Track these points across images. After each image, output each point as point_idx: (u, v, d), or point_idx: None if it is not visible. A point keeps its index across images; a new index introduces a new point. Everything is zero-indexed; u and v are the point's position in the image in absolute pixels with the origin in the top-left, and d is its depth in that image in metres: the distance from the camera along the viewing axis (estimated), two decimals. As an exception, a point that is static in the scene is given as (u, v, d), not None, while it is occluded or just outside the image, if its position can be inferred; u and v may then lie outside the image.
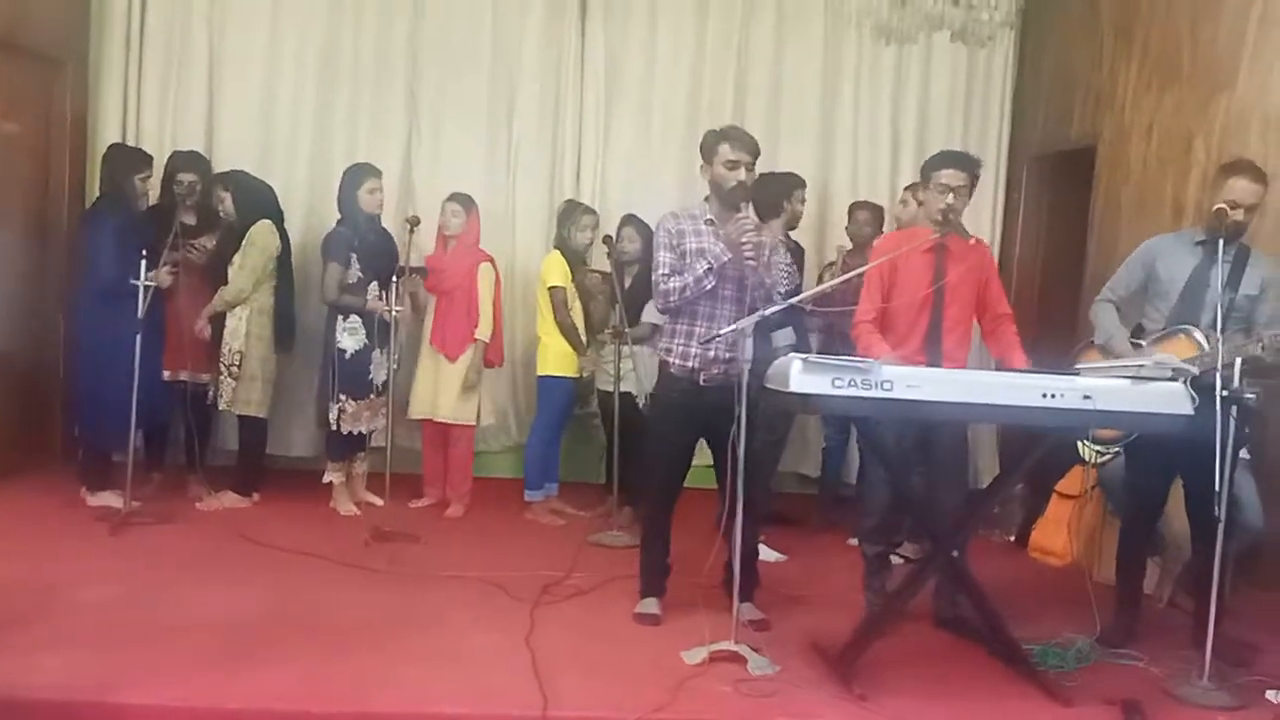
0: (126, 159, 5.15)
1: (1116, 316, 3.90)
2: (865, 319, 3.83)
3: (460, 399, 5.29)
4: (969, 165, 3.84)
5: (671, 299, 3.73)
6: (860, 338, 3.81)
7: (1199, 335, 3.63)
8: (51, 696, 2.91)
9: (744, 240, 3.56)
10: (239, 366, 5.06)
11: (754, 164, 3.77)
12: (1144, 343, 3.80)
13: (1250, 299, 3.64)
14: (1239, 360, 3.30)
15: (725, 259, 3.65)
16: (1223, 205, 3.59)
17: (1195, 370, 3.42)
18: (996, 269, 4.04)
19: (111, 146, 5.38)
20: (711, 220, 3.77)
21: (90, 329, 4.96)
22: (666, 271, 3.74)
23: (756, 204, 3.82)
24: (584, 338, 5.32)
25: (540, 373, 5.36)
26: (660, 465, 3.89)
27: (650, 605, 3.86)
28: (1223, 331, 3.48)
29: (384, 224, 5.29)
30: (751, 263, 3.58)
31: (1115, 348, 3.82)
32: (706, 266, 3.66)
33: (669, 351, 3.81)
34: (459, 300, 5.26)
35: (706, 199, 3.85)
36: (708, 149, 3.79)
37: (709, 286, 3.68)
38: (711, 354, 3.69)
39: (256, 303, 5.09)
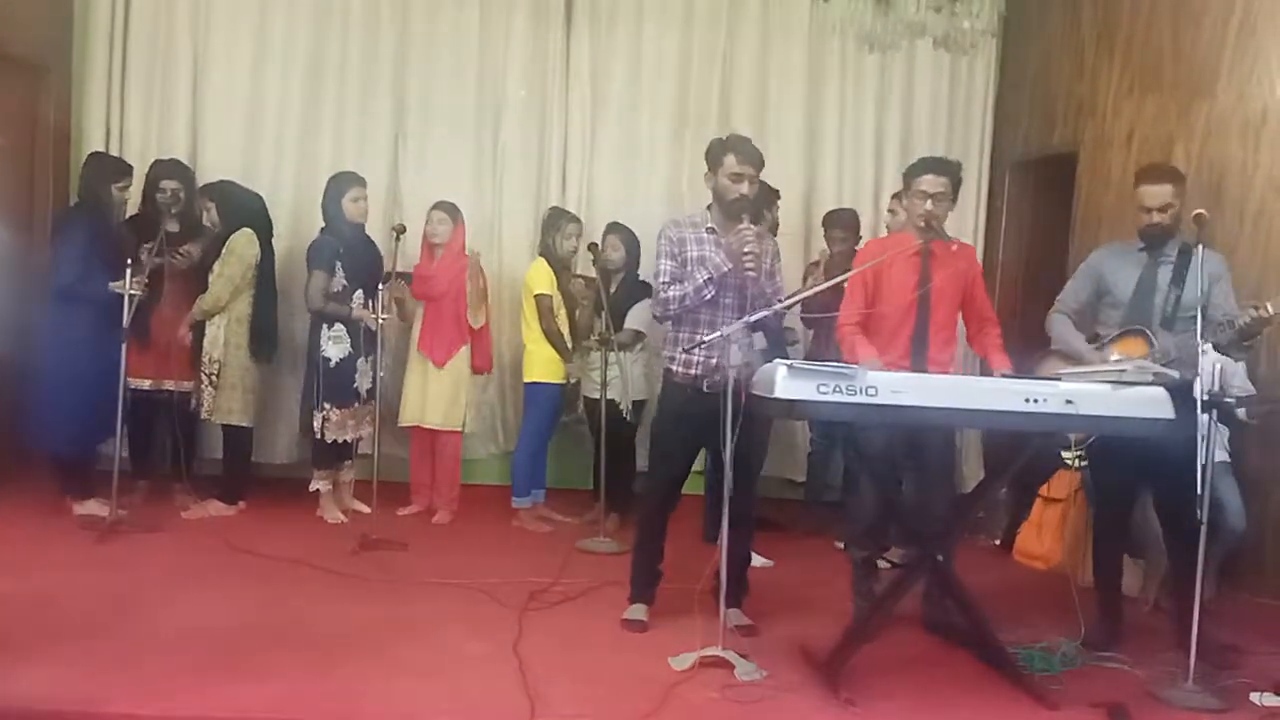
0: (105, 167, 5.12)
1: (1071, 326, 3.98)
2: (849, 323, 3.85)
3: (448, 405, 5.29)
4: (948, 170, 3.86)
5: (671, 307, 3.74)
6: (844, 340, 3.84)
7: (1149, 335, 3.73)
8: (38, 707, 2.89)
9: (745, 251, 3.57)
10: (219, 375, 5.05)
11: (757, 176, 3.78)
12: (1099, 345, 3.87)
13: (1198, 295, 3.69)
14: (1213, 343, 3.38)
15: (726, 269, 3.66)
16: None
17: (1176, 374, 3.45)
18: (981, 272, 4.07)
19: (91, 155, 5.35)
20: (713, 228, 3.78)
21: (49, 333, 4.89)
22: (667, 280, 3.75)
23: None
24: (570, 344, 5.33)
25: (527, 379, 5.37)
26: (661, 471, 3.90)
27: (638, 612, 3.86)
28: (1173, 331, 3.62)
29: (370, 232, 5.29)
30: (752, 273, 3.59)
31: (1074, 350, 3.89)
32: (707, 276, 3.67)
33: (672, 360, 3.81)
34: (447, 307, 5.26)
35: (709, 206, 3.86)
36: (713, 158, 3.79)
37: (708, 296, 3.68)
38: (714, 361, 3.66)
39: (235, 312, 5.08)
